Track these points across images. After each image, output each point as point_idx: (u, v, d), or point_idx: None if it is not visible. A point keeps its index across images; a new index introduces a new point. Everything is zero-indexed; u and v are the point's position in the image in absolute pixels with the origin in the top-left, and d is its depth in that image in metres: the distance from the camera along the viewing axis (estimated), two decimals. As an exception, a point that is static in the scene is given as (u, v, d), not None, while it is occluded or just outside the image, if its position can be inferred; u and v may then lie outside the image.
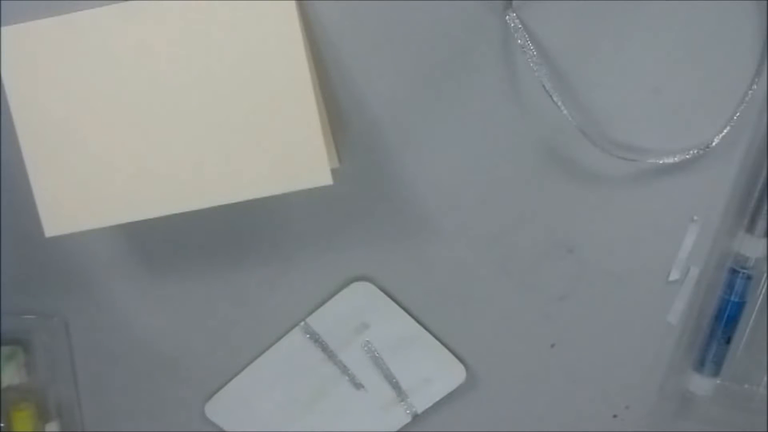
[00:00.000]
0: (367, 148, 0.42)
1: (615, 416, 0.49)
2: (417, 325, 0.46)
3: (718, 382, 0.46)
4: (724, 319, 0.44)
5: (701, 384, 0.46)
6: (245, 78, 0.37)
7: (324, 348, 0.46)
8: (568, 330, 0.46)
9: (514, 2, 0.38)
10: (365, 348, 0.47)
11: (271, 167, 0.38)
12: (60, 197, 0.38)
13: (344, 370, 0.47)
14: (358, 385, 0.47)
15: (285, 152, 0.38)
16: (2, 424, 0.47)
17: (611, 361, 0.47)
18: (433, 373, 0.47)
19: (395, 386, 0.47)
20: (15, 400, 0.47)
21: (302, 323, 0.46)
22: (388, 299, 0.45)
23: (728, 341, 0.44)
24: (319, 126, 0.37)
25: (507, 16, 0.38)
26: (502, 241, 0.44)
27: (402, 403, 0.48)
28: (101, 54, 0.37)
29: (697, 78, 0.40)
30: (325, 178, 0.38)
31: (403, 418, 0.48)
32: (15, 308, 0.45)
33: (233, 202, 0.38)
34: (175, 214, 0.38)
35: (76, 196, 0.38)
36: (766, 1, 0.39)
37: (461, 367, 0.47)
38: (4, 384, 0.46)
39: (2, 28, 0.37)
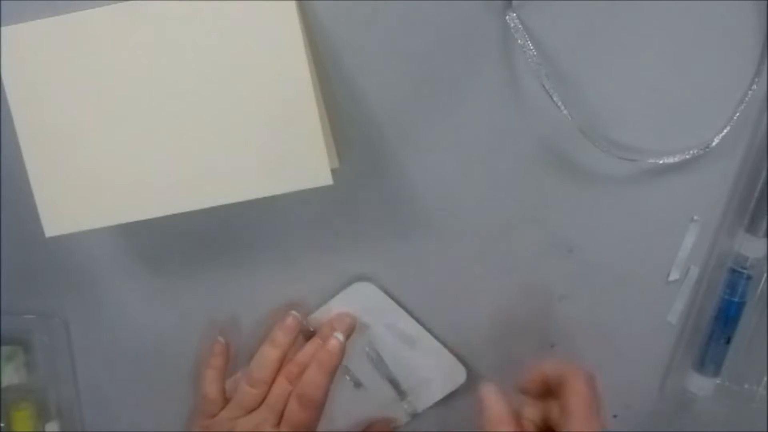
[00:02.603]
0: (367, 148, 0.42)
1: (615, 416, 0.49)
2: (417, 325, 0.46)
3: (718, 382, 0.46)
4: (724, 319, 0.44)
5: (701, 384, 0.46)
6: (245, 78, 0.37)
7: None
8: (568, 330, 0.46)
9: (514, 2, 0.38)
10: (366, 348, 0.47)
11: (272, 167, 0.38)
12: (60, 197, 0.38)
13: (344, 369, 0.47)
14: (358, 385, 0.47)
15: (285, 152, 0.38)
16: (2, 424, 0.47)
17: (611, 361, 0.47)
18: (433, 373, 0.47)
19: (395, 386, 0.47)
20: (15, 400, 0.47)
21: (303, 323, 0.46)
22: (389, 299, 0.45)
23: (728, 341, 0.44)
24: (319, 126, 0.37)
25: (507, 16, 0.38)
26: (502, 241, 0.44)
27: (402, 402, 0.48)
28: (101, 54, 0.37)
29: (697, 78, 0.40)
30: (325, 178, 0.38)
31: (403, 418, 0.48)
32: (15, 308, 0.45)
33: (233, 202, 0.38)
34: (175, 214, 0.38)
35: (76, 196, 0.38)
36: (766, 1, 0.39)
37: (461, 367, 0.47)
38: (4, 384, 0.46)
39: (2, 28, 0.37)
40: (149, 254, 0.45)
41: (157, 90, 0.37)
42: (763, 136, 0.41)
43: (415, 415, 0.48)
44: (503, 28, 0.39)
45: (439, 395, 0.48)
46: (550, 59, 0.40)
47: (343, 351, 0.42)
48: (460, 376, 0.47)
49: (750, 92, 0.40)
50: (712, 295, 0.45)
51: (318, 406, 0.41)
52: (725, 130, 0.41)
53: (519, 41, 0.38)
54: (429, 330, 0.46)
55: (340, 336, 0.43)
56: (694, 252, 0.44)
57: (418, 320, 0.46)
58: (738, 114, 0.41)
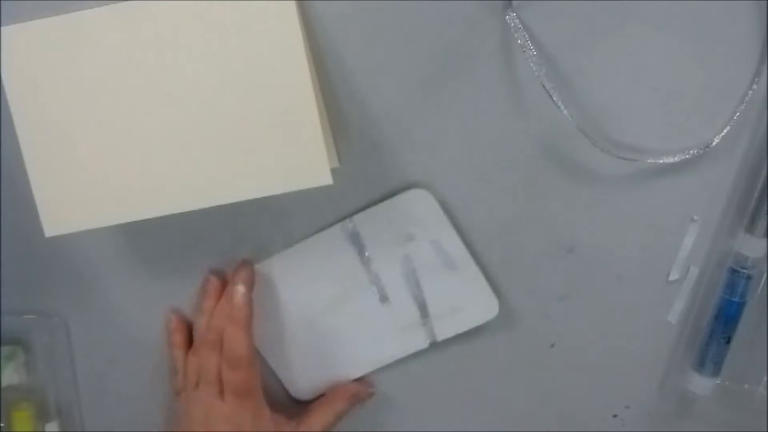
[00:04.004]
0: (367, 148, 0.42)
1: (615, 416, 0.49)
2: (464, 248, 0.44)
3: (718, 382, 0.46)
4: (724, 319, 0.44)
5: (701, 384, 0.46)
6: (245, 78, 0.37)
7: (360, 251, 0.44)
8: (568, 330, 0.46)
9: (514, 2, 0.38)
10: (403, 261, 0.44)
11: (271, 167, 0.38)
12: (60, 197, 0.38)
13: (374, 279, 0.45)
14: (383, 298, 0.45)
15: (285, 152, 0.38)
16: (2, 424, 0.47)
17: (611, 361, 0.47)
18: (465, 303, 0.45)
19: (421, 307, 0.45)
20: (15, 400, 0.47)
21: (347, 219, 0.43)
22: (443, 214, 0.43)
23: (728, 341, 0.44)
24: (319, 126, 0.37)
25: (507, 16, 0.38)
26: (503, 241, 0.44)
27: (423, 326, 0.45)
28: (101, 54, 0.37)
29: (697, 78, 0.40)
30: (325, 178, 0.38)
31: (420, 343, 0.46)
32: (15, 308, 0.45)
33: (233, 202, 0.38)
34: (175, 214, 0.38)
35: (76, 196, 0.38)
36: (766, 1, 0.39)
37: (495, 301, 0.45)
38: (4, 384, 0.46)
39: (2, 28, 0.37)
40: (149, 254, 0.45)
41: (157, 90, 0.37)
42: (763, 136, 0.41)
43: (433, 344, 0.46)
44: (503, 28, 0.39)
45: (465, 326, 0.45)
46: (550, 59, 0.40)
47: (249, 301, 0.43)
48: (492, 310, 0.45)
49: (750, 92, 0.40)
50: (712, 295, 0.45)
51: (248, 363, 0.42)
52: (725, 130, 0.41)
53: (519, 41, 0.38)
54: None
55: (241, 288, 0.43)
56: (694, 252, 0.44)
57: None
58: (738, 114, 0.41)
